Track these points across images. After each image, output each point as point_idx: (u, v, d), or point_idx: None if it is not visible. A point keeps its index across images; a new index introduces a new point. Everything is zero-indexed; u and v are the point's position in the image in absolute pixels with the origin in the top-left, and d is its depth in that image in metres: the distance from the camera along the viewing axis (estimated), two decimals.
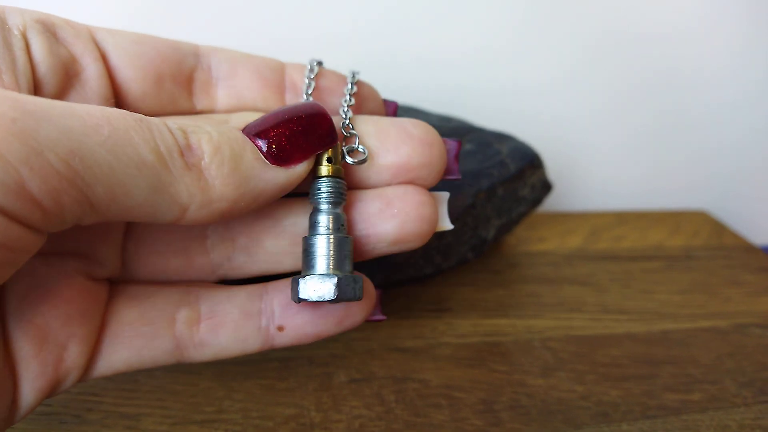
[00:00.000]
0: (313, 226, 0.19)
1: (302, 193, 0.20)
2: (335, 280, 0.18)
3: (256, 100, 0.21)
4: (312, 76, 0.21)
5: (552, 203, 0.48)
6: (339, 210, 0.19)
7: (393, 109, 0.23)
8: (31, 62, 0.17)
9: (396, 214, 0.19)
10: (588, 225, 0.46)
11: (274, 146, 0.17)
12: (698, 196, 0.54)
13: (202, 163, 0.16)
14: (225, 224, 0.20)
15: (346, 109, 0.20)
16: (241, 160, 0.16)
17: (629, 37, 0.47)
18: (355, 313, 0.21)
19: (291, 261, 0.21)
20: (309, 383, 0.27)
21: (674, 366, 0.30)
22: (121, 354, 0.19)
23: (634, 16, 0.47)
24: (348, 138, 0.19)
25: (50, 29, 0.18)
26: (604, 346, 0.31)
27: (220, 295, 0.20)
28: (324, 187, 0.19)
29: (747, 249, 0.45)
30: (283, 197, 0.19)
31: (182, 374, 0.27)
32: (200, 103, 0.21)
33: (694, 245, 0.45)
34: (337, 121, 0.19)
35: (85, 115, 0.14)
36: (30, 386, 0.17)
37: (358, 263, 0.20)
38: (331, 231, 0.19)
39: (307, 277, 0.18)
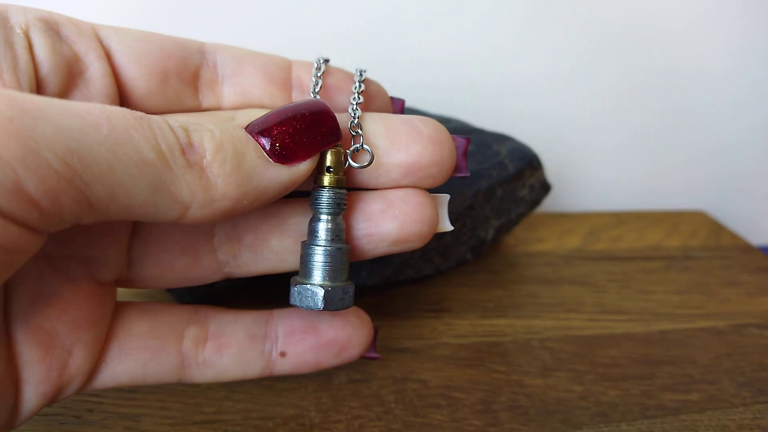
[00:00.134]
0: (311, 233, 0.19)
1: (308, 192, 0.20)
2: (323, 292, 0.19)
3: (262, 98, 0.20)
4: (319, 74, 0.21)
5: (551, 204, 0.48)
6: (338, 219, 0.19)
7: (400, 107, 0.23)
8: (34, 61, 0.17)
9: (397, 215, 0.20)
10: (586, 225, 0.46)
11: (277, 144, 0.17)
12: (696, 197, 0.55)
13: (204, 161, 0.15)
14: (231, 223, 0.20)
15: (354, 107, 0.20)
16: (243, 159, 0.16)
17: (628, 38, 0.47)
18: (354, 346, 0.21)
19: (295, 259, 0.21)
20: (309, 384, 0.27)
21: (673, 366, 0.30)
22: (127, 365, 0.19)
23: (633, 16, 0.47)
24: (355, 137, 0.19)
25: (53, 27, 0.18)
26: (603, 346, 0.32)
27: (227, 317, 0.21)
28: (323, 197, 0.19)
29: (745, 249, 0.45)
30: (287, 196, 0.19)
31: None
32: (206, 100, 0.21)
33: (693, 245, 0.45)
34: (343, 120, 0.19)
35: (84, 113, 0.14)
36: (33, 391, 0.17)
37: (359, 263, 0.20)
38: (327, 242, 0.19)
39: (299, 286, 0.19)
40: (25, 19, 0.17)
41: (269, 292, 0.31)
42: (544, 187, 0.39)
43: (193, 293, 0.30)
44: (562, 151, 0.49)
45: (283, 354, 0.21)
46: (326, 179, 0.19)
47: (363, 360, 0.22)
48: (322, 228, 0.19)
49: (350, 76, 0.22)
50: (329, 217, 0.19)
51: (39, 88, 0.17)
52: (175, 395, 0.26)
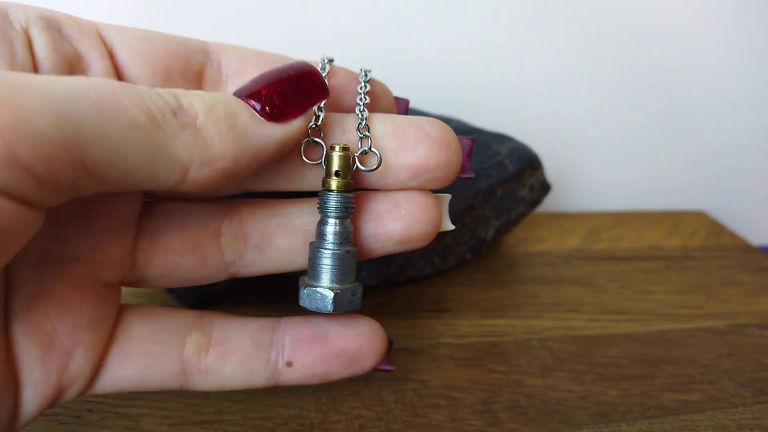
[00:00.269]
0: (319, 236, 0.20)
1: (314, 192, 0.20)
2: (332, 295, 0.19)
3: None
4: (324, 74, 0.21)
5: (550, 204, 0.48)
6: (346, 222, 0.19)
7: (405, 107, 0.23)
8: (34, 58, 0.17)
9: (403, 215, 0.20)
10: (586, 225, 0.46)
11: (267, 104, 0.17)
12: (696, 197, 0.55)
13: (197, 122, 0.15)
14: (238, 222, 0.20)
15: (362, 108, 0.20)
16: (236, 119, 0.16)
17: (628, 38, 0.47)
18: (366, 358, 0.21)
19: (302, 259, 0.21)
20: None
21: (673, 366, 0.30)
22: (127, 370, 0.19)
23: (633, 16, 0.47)
24: (363, 139, 0.19)
25: (55, 25, 0.18)
26: (603, 346, 0.32)
27: (232, 323, 0.21)
28: (331, 202, 0.19)
29: (745, 249, 0.45)
30: (294, 197, 0.19)
31: None
32: None
33: (693, 245, 0.45)
34: (350, 122, 0.19)
35: (70, 83, 0.14)
36: (32, 393, 0.17)
37: (360, 262, 0.20)
38: (336, 245, 0.19)
39: (309, 288, 0.19)
40: (26, 16, 0.17)
41: (273, 291, 0.31)
42: (544, 187, 0.39)
43: (195, 292, 0.30)
44: (562, 150, 0.49)
45: (289, 364, 0.20)
46: (334, 183, 0.19)
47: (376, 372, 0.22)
48: (331, 231, 0.19)
49: (355, 76, 0.22)
50: (337, 221, 0.19)
51: None
52: (175, 395, 0.26)
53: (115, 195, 0.18)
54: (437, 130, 0.19)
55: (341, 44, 0.42)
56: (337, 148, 0.19)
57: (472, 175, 0.21)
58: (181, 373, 0.19)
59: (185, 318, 0.20)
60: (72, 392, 0.18)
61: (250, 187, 0.20)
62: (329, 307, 0.19)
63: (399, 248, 0.21)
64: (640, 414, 0.27)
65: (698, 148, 0.53)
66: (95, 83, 0.14)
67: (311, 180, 0.20)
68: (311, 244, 0.20)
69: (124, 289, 0.20)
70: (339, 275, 0.19)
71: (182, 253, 0.20)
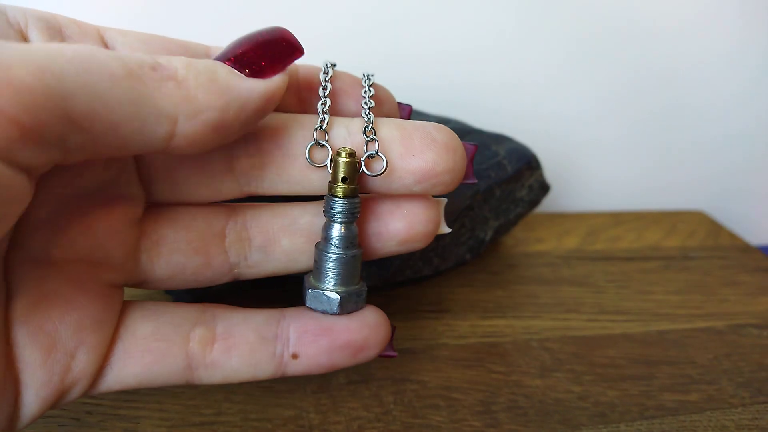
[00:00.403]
0: (325, 240, 0.20)
1: (317, 195, 0.20)
2: (338, 299, 0.20)
3: None
4: (327, 78, 0.21)
5: (549, 204, 0.48)
6: (352, 226, 0.20)
7: (408, 113, 0.23)
8: None
9: (405, 215, 0.20)
10: (585, 226, 0.46)
11: (244, 66, 0.17)
12: (695, 197, 0.55)
13: (178, 75, 0.15)
14: (242, 222, 0.20)
15: (367, 112, 0.20)
16: (216, 74, 0.16)
17: (625, 36, 0.47)
18: (371, 347, 0.21)
19: (306, 259, 0.21)
20: (308, 385, 0.27)
21: (671, 366, 0.30)
22: (132, 369, 0.19)
23: (629, 14, 0.47)
24: (369, 143, 0.19)
25: (55, 28, 0.18)
26: (602, 346, 0.32)
27: (236, 317, 0.20)
28: (338, 207, 0.19)
29: (744, 249, 0.45)
30: (297, 199, 0.19)
31: None
32: None
33: (691, 246, 0.45)
34: (357, 126, 0.19)
35: (44, 45, 0.14)
36: (34, 395, 0.17)
37: (363, 262, 0.21)
38: (341, 249, 0.19)
39: (314, 291, 0.20)
40: (24, 17, 0.17)
41: (271, 293, 0.31)
42: (543, 188, 0.39)
43: (192, 294, 0.30)
44: (560, 150, 0.50)
45: (295, 356, 0.20)
46: (341, 189, 0.19)
47: (379, 357, 0.22)
48: (337, 236, 0.19)
49: (358, 80, 0.21)
50: (343, 226, 0.19)
51: None
52: (174, 397, 0.26)
53: (109, 164, 0.18)
54: (443, 136, 0.19)
55: (340, 44, 0.42)
56: (343, 153, 0.19)
57: (475, 181, 0.21)
58: (187, 368, 0.19)
59: (188, 313, 0.20)
60: (75, 393, 0.18)
61: (253, 191, 0.20)
62: (335, 309, 0.20)
63: (401, 248, 0.21)
64: (638, 414, 0.27)
65: (697, 148, 0.53)
66: (69, 45, 0.14)
67: (315, 183, 0.20)
68: (317, 245, 0.20)
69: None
70: (345, 278, 0.20)
71: (187, 255, 0.20)
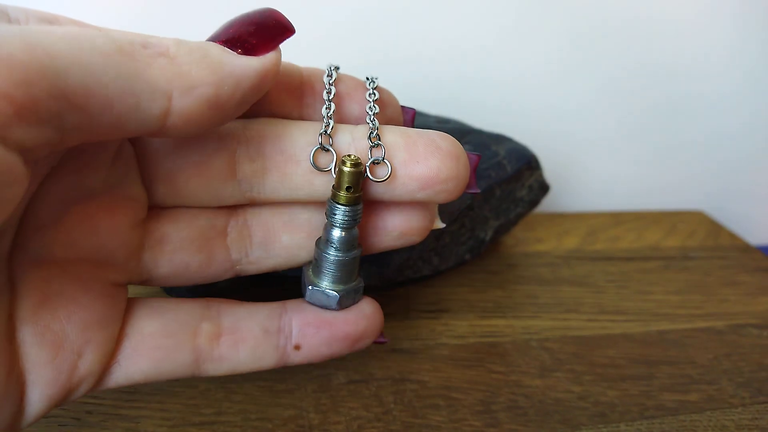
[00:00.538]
0: (326, 241, 0.20)
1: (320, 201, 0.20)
2: (337, 297, 0.20)
3: (272, 105, 0.20)
4: (330, 81, 0.20)
5: (549, 204, 0.48)
6: (353, 230, 0.20)
7: (411, 116, 0.23)
8: None
9: (402, 210, 0.21)
10: (585, 226, 0.46)
11: (236, 46, 0.17)
12: (695, 196, 0.55)
13: (170, 51, 0.15)
14: (243, 221, 0.21)
15: (372, 117, 0.20)
16: (208, 51, 0.16)
17: (625, 35, 0.47)
18: (368, 336, 0.22)
19: (306, 254, 0.21)
20: (308, 385, 0.27)
21: (671, 366, 0.30)
22: (141, 365, 0.19)
23: (630, 10, 0.47)
24: (374, 148, 0.19)
25: None
26: (602, 346, 0.32)
27: (240, 311, 0.21)
28: (340, 215, 0.19)
29: (744, 249, 0.45)
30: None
31: None
32: None
33: (691, 246, 0.45)
34: (361, 132, 0.20)
35: (34, 26, 0.14)
36: (40, 394, 0.17)
37: (363, 261, 0.21)
38: (342, 252, 0.20)
39: (314, 288, 0.21)
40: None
41: (271, 291, 0.31)
42: (543, 188, 0.39)
43: (193, 292, 0.30)
44: (560, 150, 0.50)
45: (297, 347, 0.21)
46: (344, 198, 0.19)
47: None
48: (337, 239, 0.20)
49: (361, 83, 0.21)
50: (344, 231, 0.20)
51: None
52: (174, 396, 0.26)
53: (106, 147, 0.18)
54: (447, 144, 0.19)
55: (337, 42, 0.42)
56: (348, 162, 0.18)
57: (478, 191, 0.21)
58: (194, 362, 0.20)
59: (194, 309, 0.20)
60: (81, 390, 0.18)
61: (255, 196, 0.20)
62: (334, 306, 0.21)
63: (398, 243, 0.21)
64: (638, 414, 0.27)
65: (697, 148, 0.53)
66: (59, 26, 0.14)
67: (318, 189, 0.20)
68: (317, 243, 0.20)
69: None
70: (344, 277, 0.20)
71: (190, 253, 0.20)
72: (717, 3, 0.48)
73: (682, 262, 0.42)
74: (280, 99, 0.20)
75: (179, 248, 0.20)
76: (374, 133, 0.19)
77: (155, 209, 0.20)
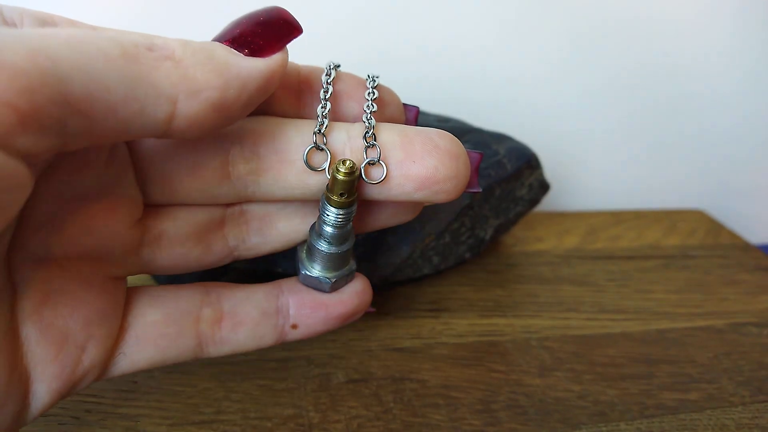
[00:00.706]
0: (320, 235, 0.20)
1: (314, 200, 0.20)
2: (330, 283, 0.21)
3: (271, 103, 0.20)
4: (329, 80, 0.20)
5: (549, 203, 0.48)
6: (347, 226, 0.20)
7: (414, 114, 0.23)
8: None
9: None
10: (585, 225, 0.46)
11: (243, 46, 0.16)
12: (695, 195, 0.55)
13: (175, 54, 0.15)
14: (240, 210, 0.21)
15: (369, 116, 0.19)
16: (214, 53, 0.16)
17: (625, 34, 0.47)
18: (360, 311, 0.23)
19: (302, 237, 0.22)
20: (307, 384, 0.27)
21: (671, 365, 0.30)
22: (146, 354, 0.19)
23: (629, 9, 0.46)
24: (369, 149, 0.19)
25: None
26: (602, 345, 0.32)
27: (239, 295, 0.21)
28: (332, 216, 0.19)
29: (744, 248, 0.45)
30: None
31: (181, 375, 0.27)
32: None
33: (691, 244, 0.45)
34: (357, 130, 0.19)
35: (36, 30, 0.13)
36: (45, 388, 0.17)
37: (358, 263, 0.21)
38: (335, 246, 0.20)
39: (306, 274, 0.21)
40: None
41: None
42: (543, 187, 0.39)
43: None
44: (560, 148, 0.50)
45: (295, 326, 0.22)
46: (337, 202, 0.19)
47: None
48: (330, 235, 0.20)
49: (362, 82, 0.21)
50: (337, 228, 0.20)
51: None
52: (174, 395, 0.26)
53: (108, 152, 0.18)
54: (446, 142, 0.19)
55: (336, 40, 0.42)
56: (342, 170, 0.18)
57: (480, 190, 0.21)
58: (197, 346, 0.20)
59: (194, 295, 0.21)
60: (85, 382, 0.18)
61: (250, 196, 0.20)
62: (327, 290, 0.21)
63: (389, 222, 0.22)
64: (638, 413, 0.27)
65: (697, 147, 0.53)
66: (62, 28, 0.14)
67: (313, 188, 0.19)
68: (311, 229, 0.20)
69: None
70: (337, 265, 0.21)
71: (188, 246, 0.20)
72: (717, 3, 0.47)
73: (682, 261, 0.42)
74: (278, 97, 0.20)
75: (177, 243, 0.20)
76: (370, 132, 0.19)
77: (152, 207, 0.20)
